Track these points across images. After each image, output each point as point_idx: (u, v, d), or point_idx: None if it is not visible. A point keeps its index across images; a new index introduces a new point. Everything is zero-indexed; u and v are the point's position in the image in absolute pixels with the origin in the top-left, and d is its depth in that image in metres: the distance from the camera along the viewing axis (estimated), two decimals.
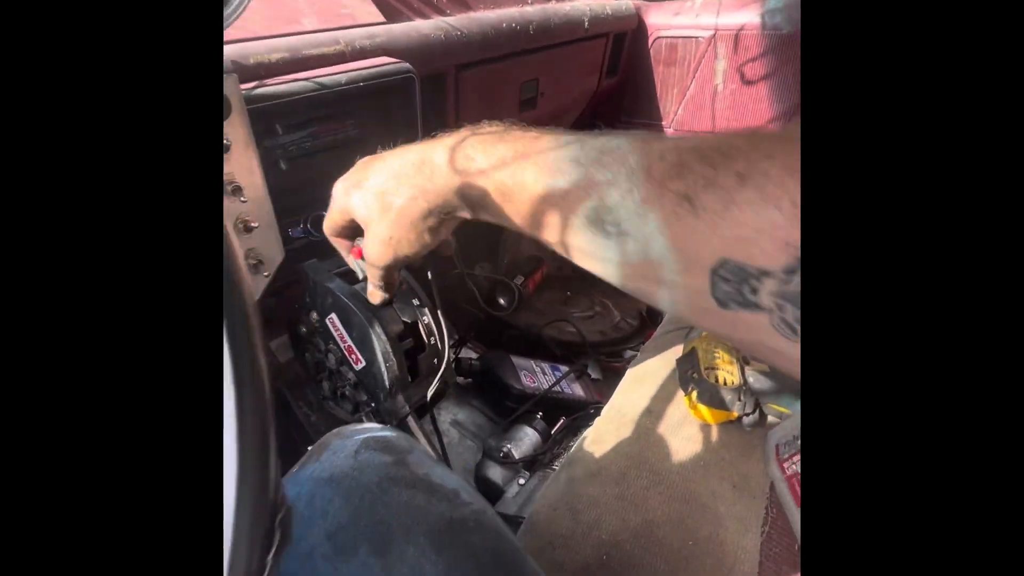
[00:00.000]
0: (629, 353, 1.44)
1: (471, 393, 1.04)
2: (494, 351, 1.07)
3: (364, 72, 0.72)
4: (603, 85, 1.42)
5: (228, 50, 0.63)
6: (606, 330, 1.48)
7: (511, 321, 1.48)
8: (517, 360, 1.06)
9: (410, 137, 0.83)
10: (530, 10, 1.08)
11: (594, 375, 1.37)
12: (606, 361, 1.41)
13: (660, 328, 0.92)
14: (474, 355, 1.15)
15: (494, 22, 0.98)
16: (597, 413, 0.99)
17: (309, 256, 0.76)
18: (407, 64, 0.77)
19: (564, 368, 1.10)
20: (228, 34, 0.66)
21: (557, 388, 1.03)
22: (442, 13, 1.06)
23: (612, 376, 1.38)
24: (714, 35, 1.36)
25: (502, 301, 1.52)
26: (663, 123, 1.51)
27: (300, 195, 0.74)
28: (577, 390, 1.05)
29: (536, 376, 1.04)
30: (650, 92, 1.49)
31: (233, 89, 0.52)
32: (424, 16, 1.02)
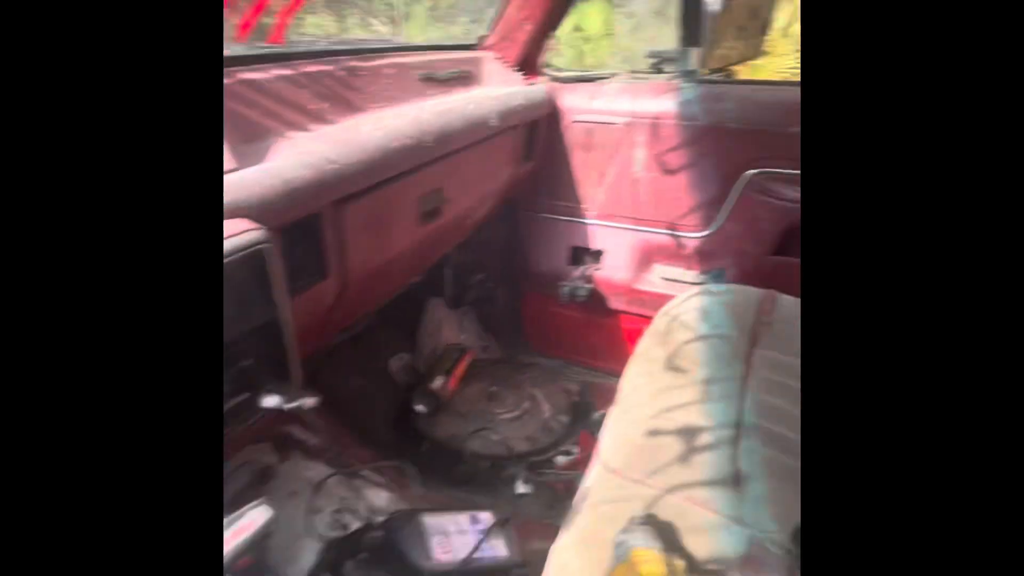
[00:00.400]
0: (560, 459, 1.33)
1: (375, 570, 0.88)
2: (401, 513, 0.92)
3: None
4: (517, 173, 1.32)
5: None
6: (534, 433, 1.36)
7: (429, 433, 1.33)
8: (430, 520, 0.92)
9: (268, 310, 0.68)
10: (426, 117, 0.96)
11: (522, 490, 1.25)
12: (535, 475, 1.29)
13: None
14: (378, 512, 0.99)
15: (381, 142, 0.85)
16: None
17: None
18: (258, 233, 0.62)
19: (483, 517, 0.97)
20: None
21: (477, 553, 0.89)
22: (323, 121, 0.92)
23: (542, 491, 1.27)
24: (631, 122, 1.29)
25: (421, 407, 1.37)
26: (583, 207, 1.43)
27: None
28: (499, 549, 0.92)
29: (451, 540, 0.90)
30: (569, 176, 1.41)
31: None
32: (301, 127, 0.87)
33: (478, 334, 1.74)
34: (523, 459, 1.30)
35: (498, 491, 1.25)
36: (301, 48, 1.00)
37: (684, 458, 0.79)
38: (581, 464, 1.34)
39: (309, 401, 0.69)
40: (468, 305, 1.74)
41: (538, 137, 1.34)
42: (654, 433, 0.83)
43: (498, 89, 1.25)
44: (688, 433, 0.82)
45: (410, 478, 1.18)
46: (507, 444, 1.30)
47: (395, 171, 0.87)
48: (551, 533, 0.83)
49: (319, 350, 1.37)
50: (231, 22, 0.87)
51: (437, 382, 1.38)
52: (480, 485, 1.25)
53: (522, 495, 1.25)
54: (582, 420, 1.43)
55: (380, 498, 1.08)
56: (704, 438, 0.81)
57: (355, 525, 0.95)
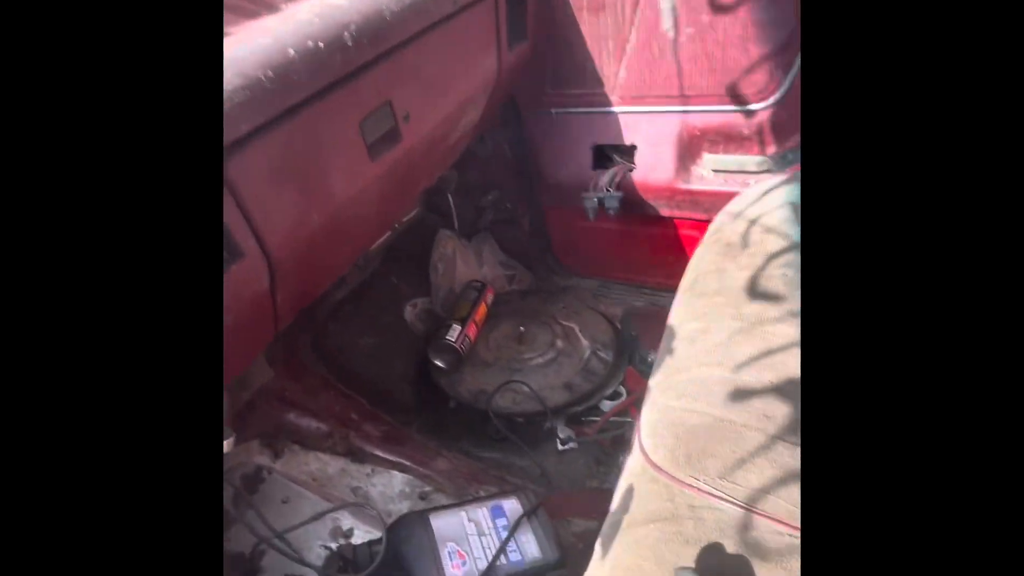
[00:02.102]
0: (607, 404, 1.14)
1: None
2: (405, 518, 0.77)
3: None
4: (507, 62, 1.00)
5: None
6: (572, 378, 1.16)
7: (451, 390, 1.17)
8: (440, 523, 0.76)
9: None
10: (343, 4, 0.67)
11: (563, 447, 1.08)
12: (578, 428, 1.11)
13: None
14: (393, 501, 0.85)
15: (271, 54, 0.58)
16: None
17: None
18: None
19: (507, 505, 0.81)
20: None
21: (502, 558, 0.74)
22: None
23: (588, 446, 1.09)
24: None
25: (439, 363, 1.20)
26: (602, 92, 1.10)
27: None
28: (530, 546, 0.76)
29: (468, 546, 0.74)
30: (578, 53, 1.07)
31: None
32: None
33: (501, 263, 1.51)
34: (561, 411, 1.11)
35: (538, 448, 1.09)
36: None
37: (769, 446, 0.55)
38: (631, 408, 1.14)
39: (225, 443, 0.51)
40: (485, 231, 1.50)
41: (527, 6, 1.00)
42: (720, 421, 0.59)
43: None
44: (777, 414, 0.57)
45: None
46: (540, 396, 1.11)
47: (304, 93, 0.61)
48: (595, 505, 0.65)
49: (315, 311, 1.20)
50: None
51: (453, 332, 1.19)
52: (515, 445, 1.08)
53: (563, 453, 1.08)
54: (627, 354, 1.21)
55: (396, 482, 0.94)
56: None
57: (360, 532, 0.81)
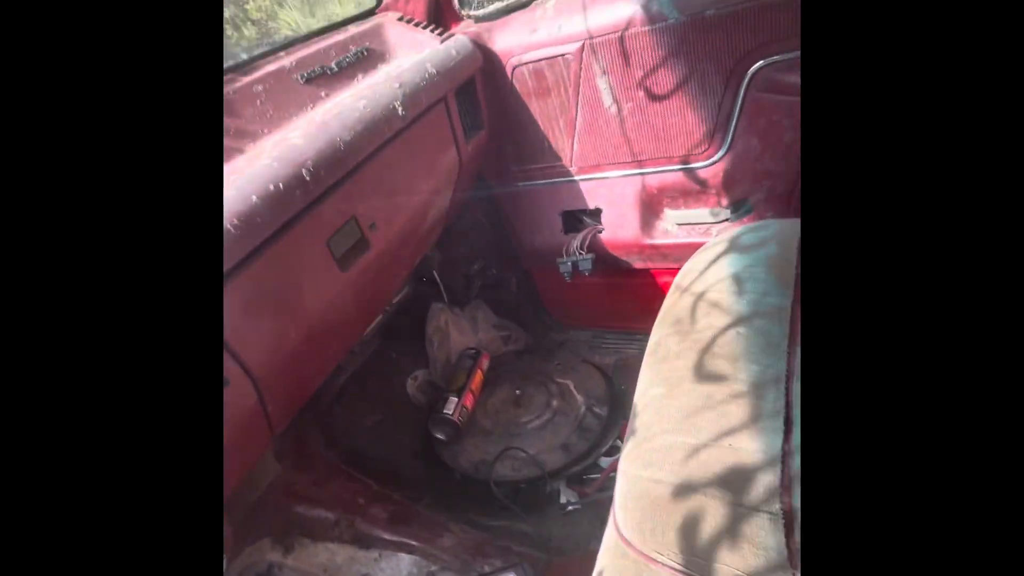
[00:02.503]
0: (605, 460, 1.16)
1: None
2: None
3: None
4: (467, 151, 1.08)
5: None
6: (569, 438, 1.19)
7: (454, 464, 1.20)
8: None
9: None
10: (298, 143, 0.75)
11: (569, 508, 1.10)
12: (579, 488, 1.13)
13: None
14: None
15: (236, 203, 0.66)
16: None
17: None
18: None
19: None
20: None
21: None
22: None
23: (590, 506, 1.11)
24: (584, 45, 1.00)
25: (439, 435, 1.24)
26: (559, 164, 1.17)
27: None
28: None
29: None
30: (535, 131, 1.15)
31: None
32: None
33: (495, 325, 1.56)
34: (560, 473, 1.14)
35: (542, 511, 1.11)
36: None
37: (732, 530, 0.57)
38: None
39: None
40: (476, 298, 1.56)
41: (478, 100, 1.09)
42: (684, 490, 0.62)
43: (402, 62, 1.00)
44: (738, 483, 0.59)
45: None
46: (538, 461, 1.14)
47: (268, 231, 0.69)
48: None
49: (320, 397, 1.26)
50: None
51: (450, 405, 1.24)
52: (522, 509, 1.11)
53: (568, 514, 1.10)
54: (620, 407, 1.24)
55: (404, 564, 0.97)
56: (761, 486, 0.58)
57: None
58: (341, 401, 1.32)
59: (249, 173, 0.70)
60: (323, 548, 0.96)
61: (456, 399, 1.25)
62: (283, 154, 0.73)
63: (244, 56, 0.92)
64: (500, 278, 1.53)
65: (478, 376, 1.33)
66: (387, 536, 1.03)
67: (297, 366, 0.81)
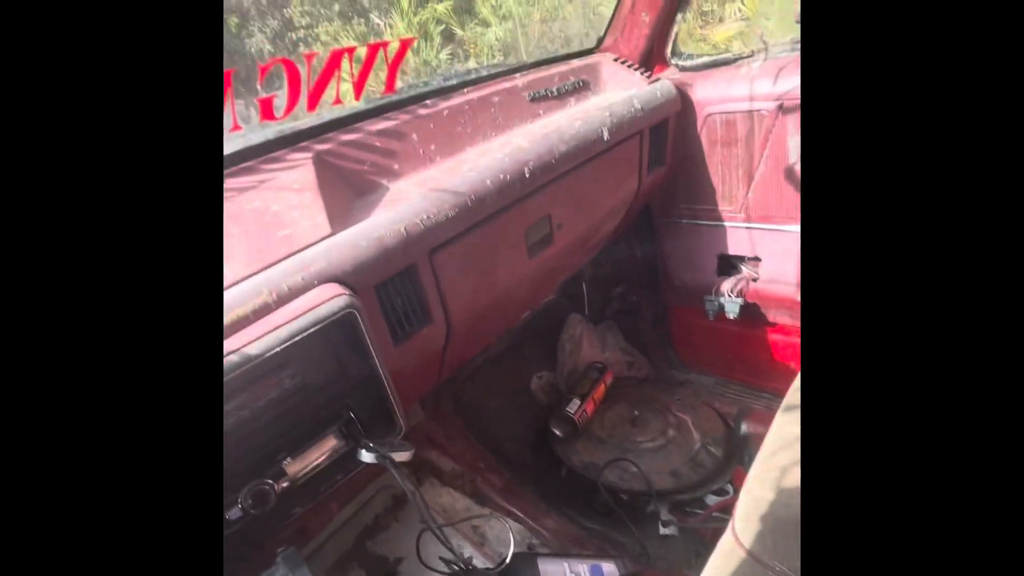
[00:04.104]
0: (712, 499, 1.18)
1: None
2: (519, 555, 0.90)
3: (291, 327, 0.61)
4: (646, 182, 1.20)
5: None
6: (680, 467, 1.23)
7: (565, 458, 1.29)
8: (547, 566, 0.88)
9: (367, 370, 0.71)
10: (525, 145, 0.91)
11: (664, 531, 1.14)
12: (680, 516, 1.16)
13: None
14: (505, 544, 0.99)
15: (475, 183, 0.83)
16: None
17: (255, 536, 0.66)
18: (343, 299, 0.65)
19: (606, 568, 0.90)
20: None
21: None
22: (428, 165, 0.94)
23: (688, 535, 1.14)
24: (780, 105, 1.07)
25: (557, 431, 1.34)
26: (729, 209, 1.24)
27: (232, 471, 0.65)
28: None
29: None
30: (710, 176, 1.23)
31: None
32: (404, 176, 0.90)
33: (623, 349, 1.64)
34: (666, 496, 1.18)
35: (640, 528, 1.16)
36: (410, 94, 1.03)
37: None
38: (735, 507, 1.17)
39: (403, 455, 0.71)
40: (610, 319, 1.66)
41: (667, 139, 1.20)
42: None
43: (612, 96, 1.14)
44: None
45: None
46: (648, 478, 1.20)
47: (491, 210, 0.85)
48: None
49: (460, 372, 1.42)
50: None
51: (572, 406, 1.33)
52: (618, 519, 1.17)
53: (664, 537, 1.14)
54: (738, 454, 1.25)
55: (511, 526, 1.07)
56: None
57: (477, 560, 0.96)
58: (475, 379, 1.47)
59: (485, 162, 0.88)
60: (446, 492, 1.10)
61: (579, 402, 1.34)
62: (512, 153, 0.90)
63: (485, 72, 1.13)
64: (637, 306, 1.61)
65: (601, 388, 1.41)
66: (499, 500, 1.14)
67: (477, 326, 0.96)
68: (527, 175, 0.89)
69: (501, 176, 0.86)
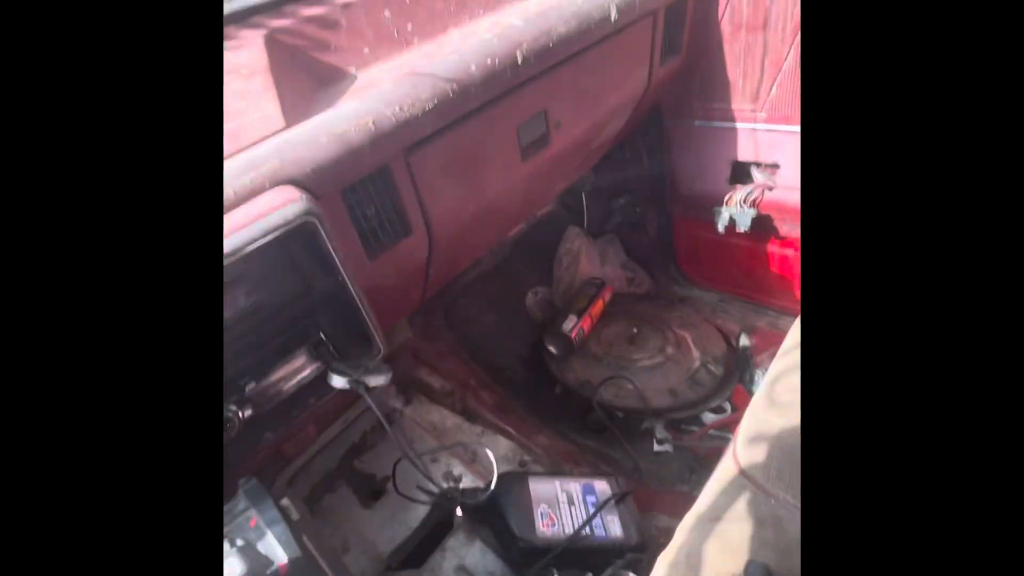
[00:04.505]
0: (709, 417, 1.16)
1: (480, 525, 0.87)
2: (508, 475, 0.87)
3: (239, 237, 0.52)
4: (658, 75, 1.05)
5: None
6: (678, 385, 1.19)
7: (559, 375, 1.26)
8: (537, 486, 0.86)
9: (334, 286, 0.63)
10: (518, 24, 0.77)
11: (658, 448, 1.13)
12: (675, 434, 1.14)
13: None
14: (482, 478, 0.97)
15: (458, 69, 0.70)
16: (629, 567, 0.77)
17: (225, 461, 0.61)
18: (299, 205, 0.55)
19: (598, 486, 0.88)
20: None
21: (586, 528, 0.82)
22: (407, 44, 0.80)
23: (682, 452, 1.12)
24: None
25: (552, 348, 1.29)
26: (749, 108, 1.10)
27: None
28: (613, 526, 0.83)
29: (558, 512, 0.83)
30: (732, 67, 1.08)
31: None
32: (377, 60, 0.77)
33: (623, 264, 1.56)
34: (662, 414, 1.15)
35: (634, 445, 1.14)
36: None
37: None
38: (733, 425, 1.15)
39: (379, 379, 0.65)
40: (611, 232, 1.56)
41: (685, 22, 1.04)
42: None
43: None
44: None
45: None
46: (644, 396, 1.16)
47: (478, 102, 0.73)
48: (682, 507, 0.71)
49: (452, 285, 1.35)
50: None
51: (569, 322, 1.28)
52: (613, 437, 1.15)
53: (658, 454, 1.12)
54: (738, 372, 1.21)
55: (501, 446, 1.05)
56: None
57: (467, 479, 0.94)
58: (467, 294, 1.41)
59: (470, 44, 0.74)
60: (436, 410, 1.07)
61: (576, 319, 1.28)
62: (503, 33, 0.76)
63: None
64: (640, 219, 1.51)
65: (599, 304, 1.35)
66: (490, 418, 1.11)
67: (463, 238, 0.87)
68: (519, 61, 0.75)
69: (488, 61, 0.73)
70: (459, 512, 0.85)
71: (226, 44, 0.68)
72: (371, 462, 0.97)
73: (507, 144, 0.82)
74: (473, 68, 0.71)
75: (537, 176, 0.93)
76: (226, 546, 0.43)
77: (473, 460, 1.00)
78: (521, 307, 1.47)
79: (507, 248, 1.50)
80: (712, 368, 1.22)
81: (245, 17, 0.71)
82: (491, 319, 1.42)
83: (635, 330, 1.32)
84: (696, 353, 1.26)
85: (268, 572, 0.45)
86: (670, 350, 1.27)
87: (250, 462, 0.67)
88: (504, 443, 1.06)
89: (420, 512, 0.89)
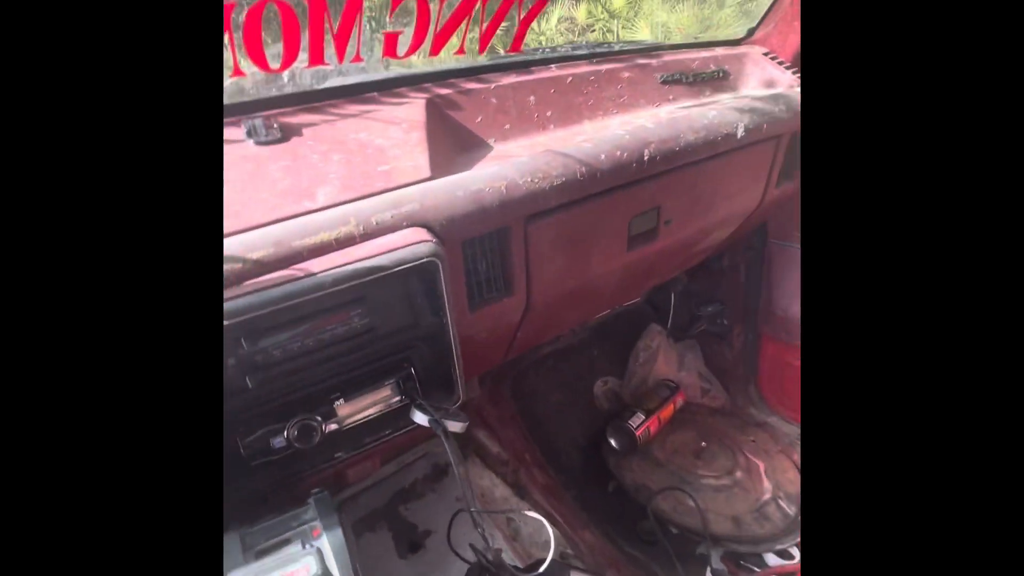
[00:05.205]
0: (773, 560, 1.05)
1: None
2: (555, 565, 0.83)
3: (370, 263, 0.58)
4: (771, 195, 1.07)
5: None
6: (743, 515, 1.10)
7: (616, 473, 1.20)
8: None
9: (437, 327, 0.66)
10: (649, 126, 0.83)
11: None
12: (732, 568, 1.04)
13: None
14: (537, 547, 0.92)
15: (589, 155, 0.76)
16: None
17: (296, 469, 0.64)
18: (428, 246, 0.60)
19: None
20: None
21: None
22: (544, 128, 0.88)
23: None
24: None
25: (613, 442, 1.25)
26: None
27: (290, 398, 0.62)
28: None
29: None
30: None
31: None
32: (515, 137, 0.85)
33: (700, 373, 1.51)
34: (721, 542, 1.06)
35: (684, 567, 1.05)
36: (535, 56, 0.97)
37: None
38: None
39: (457, 425, 0.66)
40: (693, 338, 1.53)
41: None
42: None
43: (755, 91, 1.02)
44: None
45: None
46: (704, 516, 1.08)
47: (600, 187, 0.77)
48: None
49: (525, 356, 1.37)
50: (474, 36, 0.88)
51: (636, 419, 1.24)
52: (663, 552, 1.07)
53: None
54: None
55: (544, 532, 1.00)
56: None
57: (506, 555, 0.90)
58: (537, 368, 1.41)
59: (604, 135, 0.80)
60: (488, 475, 1.05)
61: (643, 417, 1.24)
62: (635, 131, 0.82)
63: (618, 47, 1.05)
64: (726, 330, 1.48)
65: (670, 408, 1.30)
66: (539, 499, 1.07)
67: (555, 310, 0.89)
68: (645, 158, 0.80)
69: (618, 153, 0.78)
70: None
71: (396, 100, 0.78)
72: (417, 512, 0.95)
73: (617, 231, 0.86)
74: (603, 156, 0.77)
75: (637, 267, 0.95)
76: (298, 547, 0.44)
77: (515, 538, 0.96)
78: (588, 393, 1.45)
79: (586, 332, 1.51)
80: (783, 505, 1.12)
81: (416, 82, 0.82)
82: (556, 398, 1.40)
83: (703, 444, 1.26)
84: (768, 484, 1.17)
85: None
86: (739, 475, 1.19)
87: (314, 477, 0.69)
88: (549, 530, 1.01)
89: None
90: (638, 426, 1.23)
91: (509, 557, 0.89)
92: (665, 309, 1.51)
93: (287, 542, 0.50)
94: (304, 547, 0.45)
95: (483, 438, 1.13)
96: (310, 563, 0.44)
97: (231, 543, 0.49)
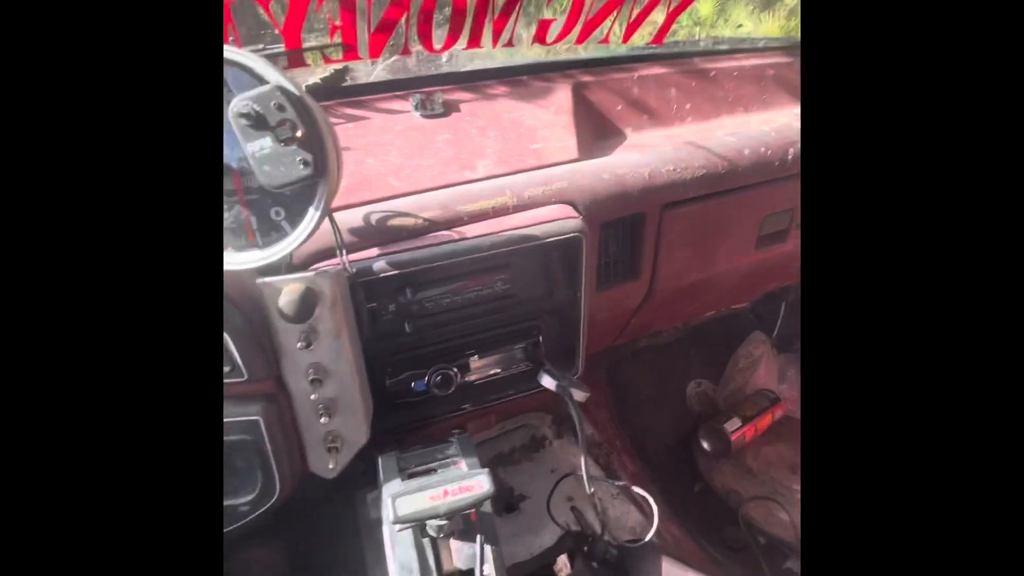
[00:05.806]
0: None
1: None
2: (646, 545, 0.85)
3: (521, 232, 0.62)
4: None
5: (364, 212, 0.60)
6: None
7: (705, 474, 1.19)
8: (669, 566, 0.82)
9: (571, 300, 0.70)
10: (795, 125, 0.81)
11: None
12: None
13: None
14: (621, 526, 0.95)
15: (732, 149, 0.76)
16: None
17: (430, 412, 0.70)
18: (575, 222, 0.64)
19: None
20: (390, 187, 0.65)
21: None
22: (681, 120, 0.89)
23: None
24: None
25: (705, 444, 1.24)
26: None
27: (432, 349, 0.69)
28: None
29: None
30: None
31: (330, 286, 0.48)
32: (656, 127, 0.86)
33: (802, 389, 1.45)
34: None
35: None
36: (678, 49, 0.98)
37: None
38: None
39: (580, 394, 0.69)
40: (797, 352, 1.47)
41: None
42: None
43: None
44: None
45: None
46: (796, 529, 1.05)
47: (740, 183, 0.78)
48: None
49: (623, 346, 1.38)
50: (622, 25, 0.91)
51: (732, 424, 1.22)
52: (748, 559, 1.05)
53: None
54: None
55: (633, 517, 1.03)
56: None
57: (595, 526, 0.93)
58: (634, 360, 1.42)
59: (748, 131, 0.80)
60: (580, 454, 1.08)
61: (740, 423, 1.22)
62: (780, 129, 0.81)
63: (762, 43, 1.02)
64: None
65: (767, 419, 1.27)
66: (629, 485, 1.09)
67: (672, 301, 0.91)
68: (790, 157, 0.79)
69: (762, 149, 0.78)
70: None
71: (543, 85, 0.82)
72: (512, 477, 1.01)
73: (749, 229, 0.85)
74: (747, 152, 0.77)
75: (761, 268, 0.93)
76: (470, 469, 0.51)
77: (603, 517, 0.99)
78: (680, 393, 1.44)
79: (684, 331, 1.50)
80: None
81: (564, 68, 0.85)
82: (649, 392, 1.41)
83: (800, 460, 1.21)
84: None
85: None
86: None
87: (443, 422, 0.75)
88: (636, 515, 1.03)
89: (545, 540, 0.90)
90: (734, 430, 1.21)
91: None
92: (770, 319, 1.46)
93: (433, 471, 0.56)
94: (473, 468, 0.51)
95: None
96: (482, 480, 0.49)
97: (388, 462, 0.56)
